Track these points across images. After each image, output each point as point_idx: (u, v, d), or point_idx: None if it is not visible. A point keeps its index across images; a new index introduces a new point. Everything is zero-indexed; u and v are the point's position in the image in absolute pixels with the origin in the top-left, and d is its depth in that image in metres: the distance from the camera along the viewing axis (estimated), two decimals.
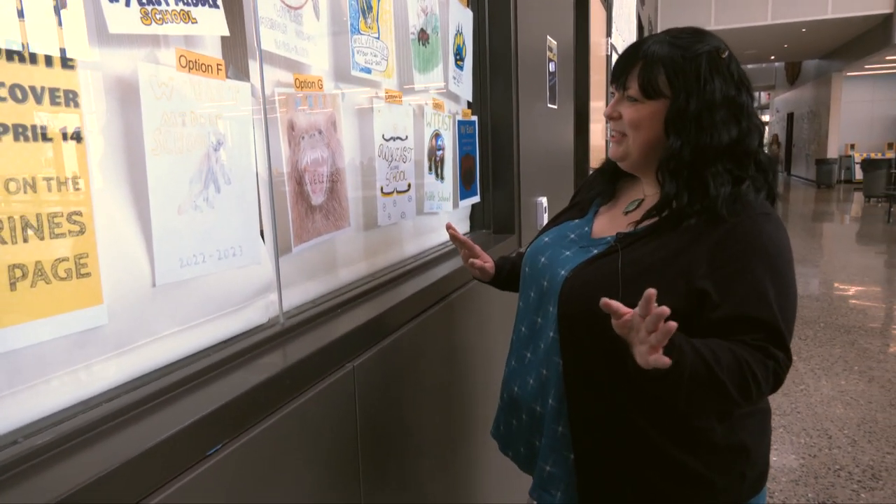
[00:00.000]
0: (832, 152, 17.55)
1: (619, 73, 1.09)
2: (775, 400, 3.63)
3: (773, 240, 1.01)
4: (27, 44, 0.66)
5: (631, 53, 1.09)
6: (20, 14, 0.65)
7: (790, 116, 22.44)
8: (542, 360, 1.17)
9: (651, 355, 0.85)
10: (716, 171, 1.02)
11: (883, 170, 13.25)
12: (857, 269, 7.02)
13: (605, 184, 1.24)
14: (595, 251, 1.11)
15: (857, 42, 14.93)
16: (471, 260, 1.40)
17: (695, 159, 1.03)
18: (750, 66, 23.79)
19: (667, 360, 0.85)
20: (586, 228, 1.19)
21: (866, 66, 16.47)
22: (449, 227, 1.38)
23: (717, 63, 1.04)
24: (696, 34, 1.07)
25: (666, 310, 0.82)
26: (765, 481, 1.16)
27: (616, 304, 0.87)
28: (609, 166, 1.22)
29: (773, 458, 3.01)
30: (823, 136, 17.78)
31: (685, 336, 0.93)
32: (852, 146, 18.84)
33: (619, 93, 1.10)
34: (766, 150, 1.09)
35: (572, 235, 1.19)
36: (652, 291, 0.83)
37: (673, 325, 0.82)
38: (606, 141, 4.70)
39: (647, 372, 0.89)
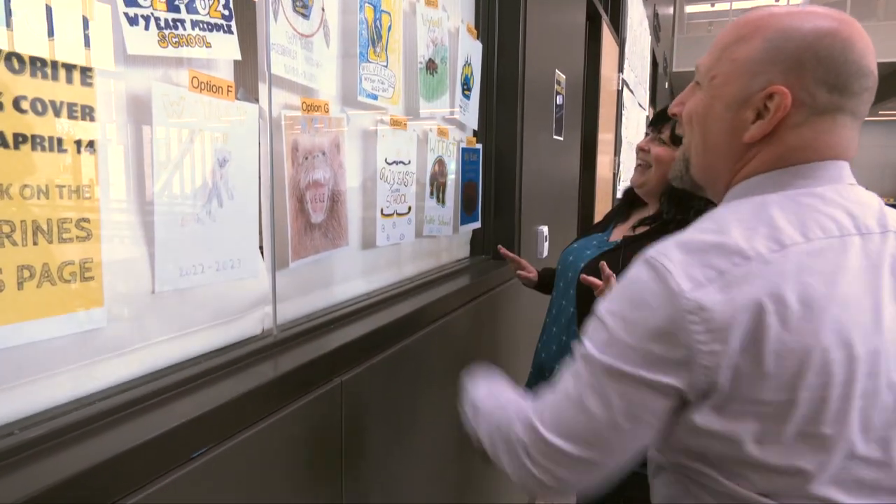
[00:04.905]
0: None
1: (659, 120, 1.43)
2: None
3: None
4: (56, 60, 0.71)
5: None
6: (50, 32, 0.71)
7: None
8: (563, 329, 1.53)
9: None
10: (699, 206, 1.34)
11: None
12: None
13: (623, 211, 1.62)
14: (606, 249, 1.49)
15: None
16: (518, 271, 1.81)
17: (690, 194, 1.25)
18: None
19: None
20: (605, 237, 1.58)
21: (881, 112, 16.53)
22: (500, 248, 1.85)
23: None
24: None
25: (611, 274, 1.23)
26: None
27: (592, 279, 1.29)
28: (627, 198, 1.62)
29: None
30: None
31: None
32: None
33: (653, 133, 1.44)
34: None
35: (594, 241, 1.58)
36: (603, 263, 1.26)
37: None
38: (614, 174, 4.77)
39: None
